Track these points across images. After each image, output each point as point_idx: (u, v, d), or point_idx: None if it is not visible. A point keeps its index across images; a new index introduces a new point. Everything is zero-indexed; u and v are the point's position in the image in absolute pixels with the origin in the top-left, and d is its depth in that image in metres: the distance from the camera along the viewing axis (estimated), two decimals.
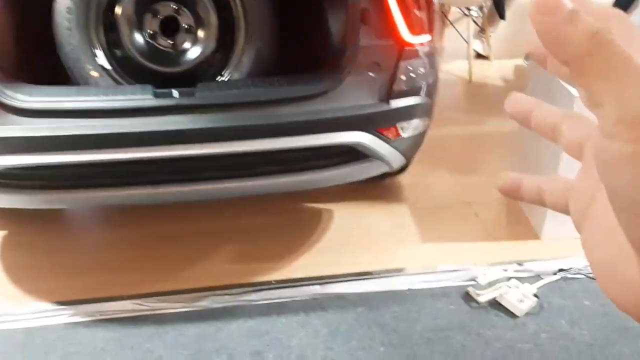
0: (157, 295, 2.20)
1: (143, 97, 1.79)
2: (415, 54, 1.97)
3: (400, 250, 2.49)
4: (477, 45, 4.12)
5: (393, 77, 1.94)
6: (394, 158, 2.10)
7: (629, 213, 0.25)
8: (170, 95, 1.83)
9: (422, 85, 2.04)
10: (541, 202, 0.35)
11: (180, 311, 2.16)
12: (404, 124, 2.05)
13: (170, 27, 2.04)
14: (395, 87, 1.95)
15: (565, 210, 0.33)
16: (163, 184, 1.88)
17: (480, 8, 3.89)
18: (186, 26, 2.05)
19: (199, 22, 2.04)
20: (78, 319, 2.11)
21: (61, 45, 1.94)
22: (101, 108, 1.75)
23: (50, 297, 2.18)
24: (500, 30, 4.13)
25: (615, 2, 2.87)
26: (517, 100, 0.35)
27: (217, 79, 2.04)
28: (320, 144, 1.91)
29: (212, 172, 1.90)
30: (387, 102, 1.96)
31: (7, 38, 1.97)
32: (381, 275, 2.32)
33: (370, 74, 1.94)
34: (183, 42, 2.06)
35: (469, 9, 3.85)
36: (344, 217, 2.69)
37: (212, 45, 2.04)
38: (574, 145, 0.33)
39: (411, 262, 2.40)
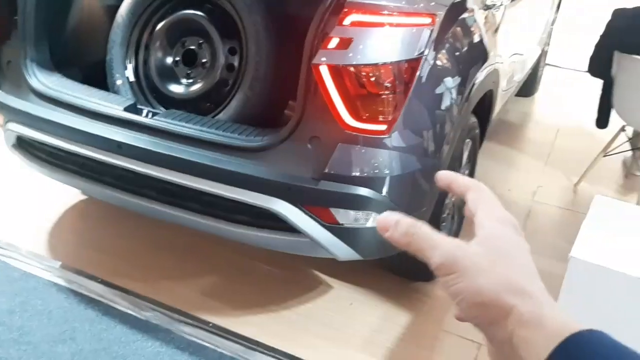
0: (119, 289, 2.40)
1: (112, 106, 2.02)
2: (360, 141, 1.76)
3: None
4: None
5: (328, 158, 1.77)
6: (332, 244, 1.89)
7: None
8: (135, 112, 2.01)
9: (374, 179, 1.80)
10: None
11: (122, 310, 2.31)
12: (340, 211, 1.83)
13: (189, 59, 2.23)
14: (329, 169, 1.77)
15: None
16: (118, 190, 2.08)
17: None
18: (203, 61, 2.21)
19: (213, 60, 2.18)
20: (58, 280, 2.44)
21: (107, 53, 2.30)
22: (77, 105, 2.04)
23: (59, 257, 2.57)
24: None
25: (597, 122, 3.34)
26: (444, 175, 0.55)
27: (210, 115, 2.13)
28: (238, 198, 1.85)
29: (149, 191, 2.01)
30: (317, 180, 1.79)
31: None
32: None
33: (309, 146, 1.80)
34: (196, 75, 2.22)
35: None
36: (342, 298, 2.47)
37: (213, 82, 2.16)
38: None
39: None
